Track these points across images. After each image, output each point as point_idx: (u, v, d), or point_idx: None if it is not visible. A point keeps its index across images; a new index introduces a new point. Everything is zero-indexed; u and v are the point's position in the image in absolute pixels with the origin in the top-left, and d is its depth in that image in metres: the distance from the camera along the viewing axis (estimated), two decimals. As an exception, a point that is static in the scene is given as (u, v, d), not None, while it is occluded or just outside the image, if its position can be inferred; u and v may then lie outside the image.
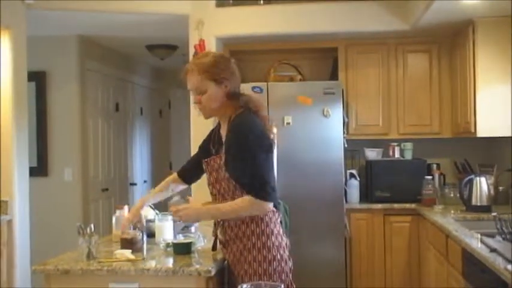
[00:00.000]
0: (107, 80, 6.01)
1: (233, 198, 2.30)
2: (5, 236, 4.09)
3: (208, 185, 2.44)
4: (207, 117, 2.44)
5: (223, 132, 2.41)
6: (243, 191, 2.27)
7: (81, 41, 5.42)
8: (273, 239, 2.29)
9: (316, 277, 4.27)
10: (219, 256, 2.47)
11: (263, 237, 2.28)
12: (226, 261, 2.44)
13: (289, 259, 2.34)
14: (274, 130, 2.46)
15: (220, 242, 2.45)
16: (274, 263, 2.26)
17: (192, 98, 2.45)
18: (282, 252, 2.30)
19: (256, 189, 2.24)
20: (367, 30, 4.57)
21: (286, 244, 2.35)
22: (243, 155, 2.25)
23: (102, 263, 2.37)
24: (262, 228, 2.29)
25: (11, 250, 4.13)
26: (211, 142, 2.51)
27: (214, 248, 2.53)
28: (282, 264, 2.28)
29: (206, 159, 2.44)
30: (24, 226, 4.32)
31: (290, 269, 2.33)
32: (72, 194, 5.36)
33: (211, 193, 2.43)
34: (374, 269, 4.51)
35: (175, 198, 3.29)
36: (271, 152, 2.34)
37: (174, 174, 2.77)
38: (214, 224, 2.49)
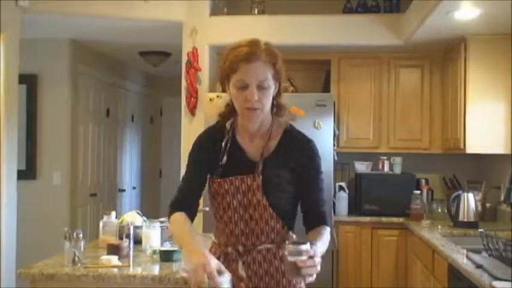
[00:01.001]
0: (98, 85, 6.00)
1: (266, 226, 1.93)
2: (-10, 238, 4.05)
3: (224, 209, 1.96)
4: (257, 122, 1.92)
5: (254, 144, 1.96)
6: (279, 218, 1.92)
7: (74, 45, 5.41)
8: None
9: (302, 289, 4.26)
10: None
11: None
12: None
13: None
14: None
15: (239, 280, 1.92)
16: None
17: (240, 93, 1.85)
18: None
19: (329, 218, 1.99)
20: (361, 44, 4.60)
21: None
22: (320, 179, 1.98)
23: (88, 269, 2.35)
24: None
25: (-4, 253, 4.09)
26: (217, 154, 1.97)
27: None
28: None
29: (229, 178, 1.92)
30: (11, 229, 4.28)
31: None
32: (60, 198, 5.33)
33: (231, 219, 1.94)
34: (361, 282, 4.51)
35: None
36: None
37: (184, 217, 1.93)
38: (225, 258, 1.96)
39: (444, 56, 4.67)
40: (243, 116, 1.91)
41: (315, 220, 1.95)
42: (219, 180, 1.94)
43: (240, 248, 1.95)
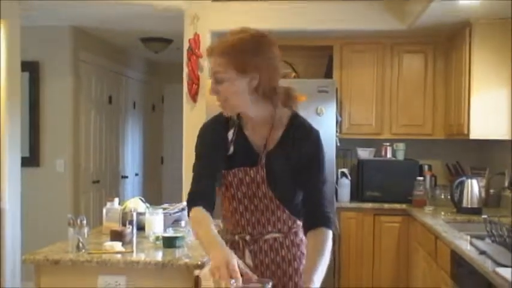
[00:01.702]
0: (100, 72, 5.99)
1: (273, 216, 1.92)
2: (-5, 225, 4.08)
3: (235, 200, 1.94)
4: (230, 112, 1.90)
5: (260, 135, 1.92)
6: (290, 214, 1.92)
7: (75, 32, 5.39)
8: None
9: (305, 275, 4.27)
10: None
11: (304, 260, 1.93)
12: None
13: None
14: None
15: (247, 266, 1.79)
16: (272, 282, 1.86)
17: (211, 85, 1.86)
18: None
19: (332, 219, 1.89)
20: (363, 29, 4.57)
21: None
22: (323, 178, 1.91)
23: (91, 255, 2.36)
24: (303, 250, 1.97)
25: (1, 239, 4.12)
26: (225, 145, 1.94)
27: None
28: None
29: (233, 169, 1.90)
30: (15, 216, 4.31)
31: None
32: (63, 185, 5.34)
33: (236, 210, 1.94)
34: (362, 268, 4.53)
35: None
36: None
37: (204, 213, 1.84)
38: (234, 247, 1.95)
39: (448, 41, 4.64)
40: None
41: (315, 221, 1.86)
42: (223, 171, 1.91)
43: (247, 237, 1.95)
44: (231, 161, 1.92)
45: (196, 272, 2.31)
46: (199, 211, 1.82)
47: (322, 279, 1.76)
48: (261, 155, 1.89)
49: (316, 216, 1.87)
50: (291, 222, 1.95)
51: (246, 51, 1.79)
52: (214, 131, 1.96)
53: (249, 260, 1.93)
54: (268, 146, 1.90)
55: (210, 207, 1.85)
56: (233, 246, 1.94)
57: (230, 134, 1.94)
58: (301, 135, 1.90)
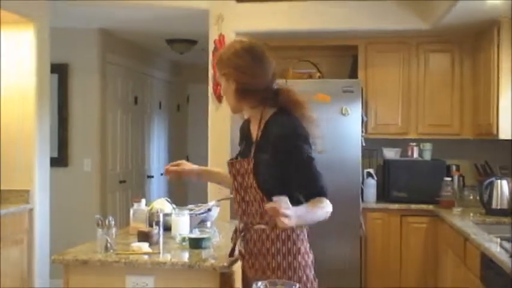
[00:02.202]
0: (126, 73, 6.05)
1: (260, 207, 2.08)
2: (26, 224, 4.15)
3: (231, 190, 2.22)
4: (232, 111, 2.24)
5: (254, 131, 2.18)
6: (268, 199, 2.00)
7: (103, 34, 5.46)
8: (299, 259, 2.09)
9: (331, 275, 4.25)
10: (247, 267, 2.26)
11: (289, 257, 2.08)
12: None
13: (315, 279, 2.14)
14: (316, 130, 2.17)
15: (240, 253, 2.23)
16: (300, 285, 1.97)
17: None
18: (308, 272, 2.11)
19: (325, 191, 2.09)
20: (388, 28, 4.53)
21: (312, 262, 2.14)
22: (303, 161, 2.05)
23: (119, 255, 2.39)
24: (289, 246, 2.09)
25: (31, 238, 4.19)
26: (240, 139, 2.29)
27: (231, 254, 2.31)
28: (308, 286, 2.10)
29: (231, 161, 2.20)
30: (44, 215, 4.38)
31: None
32: (90, 185, 5.42)
33: (235, 199, 2.20)
34: (389, 270, 4.49)
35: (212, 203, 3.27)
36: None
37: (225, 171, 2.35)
38: (235, 231, 2.28)
39: (475, 40, 4.57)
40: None
41: (311, 197, 2.06)
42: (228, 162, 2.21)
43: (241, 225, 2.20)
44: (241, 153, 2.22)
45: (223, 272, 2.31)
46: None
47: (300, 221, 1.95)
48: (252, 146, 2.14)
49: (312, 192, 2.08)
50: None
51: (223, 61, 2.16)
52: (241, 130, 2.33)
53: (240, 247, 2.20)
54: (257, 139, 2.13)
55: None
56: (235, 231, 2.27)
57: (240, 130, 2.30)
58: (273, 126, 2.10)
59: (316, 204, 2.05)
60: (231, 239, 2.33)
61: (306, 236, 2.15)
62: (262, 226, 2.11)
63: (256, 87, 2.11)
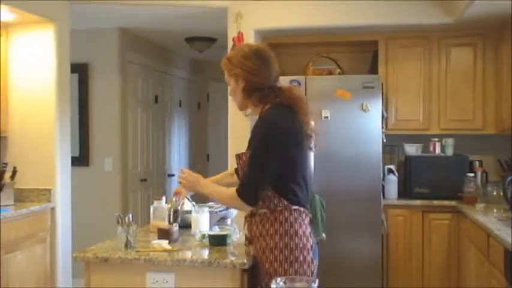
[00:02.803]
0: (146, 71, 6.09)
1: (264, 197, 2.28)
2: (48, 223, 4.20)
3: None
4: (239, 108, 2.49)
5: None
6: (274, 192, 2.27)
7: (122, 34, 5.50)
8: (296, 240, 2.24)
9: (352, 273, 4.23)
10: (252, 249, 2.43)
11: (286, 238, 2.24)
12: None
13: (313, 262, 2.27)
14: (312, 125, 2.38)
15: (246, 238, 2.42)
16: (296, 264, 2.22)
17: None
18: (305, 254, 2.24)
19: (242, 187, 2.27)
20: (409, 23, 4.48)
21: (311, 246, 2.28)
22: (253, 151, 2.27)
23: (139, 253, 2.40)
24: (286, 228, 2.25)
25: (53, 237, 4.24)
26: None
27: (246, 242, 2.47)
28: (304, 267, 2.23)
29: (238, 153, 2.39)
30: (66, 214, 4.43)
31: (312, 272, 2.27)
32: (112, 184, 5.46)
33: None
34: (411, 266, 4.45)
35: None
36: (284, 150, 2.24)
37: (231, 169, 2.72)
38: (245, 218, 2.46)
39: (498, 33, 4.49)
40: None
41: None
42: (236, 155, 2.41)
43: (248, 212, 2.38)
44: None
45: (243, 269, 2.32)
46: (228, 171, 2.94)
47: (204, 193, 2.49)
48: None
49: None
50: (276, 200, 2.27)
51: (232, 63, 2.37)
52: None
53: (246, 231, 2.39)
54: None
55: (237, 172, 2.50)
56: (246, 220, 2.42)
57: None
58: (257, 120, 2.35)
59: (226, 191, 2.37)
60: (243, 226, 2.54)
61: (306, 221, 2.31)
62: (264, 210, 2.29)
63: (262, 86, 2.33)
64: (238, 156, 2.38)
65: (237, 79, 2.36)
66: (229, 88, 2.44)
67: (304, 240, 2.26)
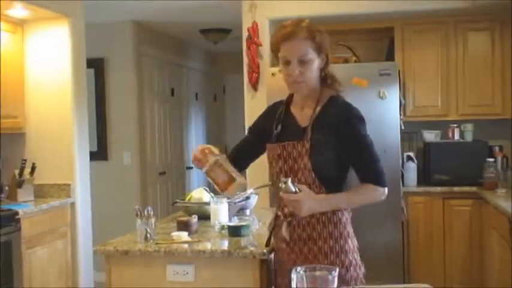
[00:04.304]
0: (162, 65, 6.10)
1: (310, 190, 2.00)
2: (68, 217, 4.24)
3: (277, 173, 2.11)
4: (304, 94, 2.11)
5: (304, 113, 2.12)
6: (322, 184, 2.03)
7: (137, 27, 5.51)
8: (349, 242, 2.08)
9: (373, 261, 4.19)
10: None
11: (341, 240, 2.05)
12: (273, 252, 2.28)
13: (362, 263, 2.13)
14: None
15: (283, 241, 2.13)
16: (351, 268, 2.06)
17: (285, 69, 2.07)
18: (356, 256, 2.10)
19: (380, 176, 2.06)
20: (425, 8, 4.41)
21: (357, 246, 2.13)
22: (365, 143, 2.06)
23: (159, 245, 2.41)
24: (341, 230, 2.06)
25: (74, 231, 4.28)
26: (274, 123, 2.18)
27: (267, 244, 2.25)
28: (357, 270, 2.09)
29: (282, 143, 2.09)
30: (86, 208, 4.47)
31: (364, 275, 2.12)
32: (130, 178, 5.50)
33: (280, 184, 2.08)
34: (432, 253, 4.41)
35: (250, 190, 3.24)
36: None
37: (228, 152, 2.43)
38: (274, 219, 2.19)
39: (516, 16, 4.42)
40: (290, 88, 2.13)
41: (362, 178, 2.06)
42: (273, 145, 2.12)
43: (286, 210, 2.07)
44: (280, 137, 2.13)
45: (262, 259, 2.31)
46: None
47: (325, 207, 2.02)
48: (307, 128, 2.07)
49: (366, 175, 2.06)
50: None
51: (318, 36, 2.04)
52: (266, 112, 2.30)
53: (285, 233, 2.09)
54: (311, 122, 2.07)
55: (234, 161, 2.25)
56: (276, 221, 2.15)
57: (277, 114, 2.19)
58: (339, 107, 2.09)
59: (358, 191, 2.06)
60: (268, 226, 2.30)
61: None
62: None
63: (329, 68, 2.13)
64: (283, 147, 2.09)
65: (320, 55, 2.06)
66: (299, 69, 2.03)
67: (355, 240, 2.13)
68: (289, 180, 1.92)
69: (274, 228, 2.19)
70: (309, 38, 2.02)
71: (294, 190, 1.91)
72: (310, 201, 1.93)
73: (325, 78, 2.12)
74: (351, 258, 2.06)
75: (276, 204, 2.17)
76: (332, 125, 2.04)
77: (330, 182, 2.05)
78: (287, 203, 1.95)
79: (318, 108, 2.09)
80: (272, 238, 2.23)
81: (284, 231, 2.11)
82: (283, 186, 1.91)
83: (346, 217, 2.10)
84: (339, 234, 2.06)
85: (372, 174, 2.05)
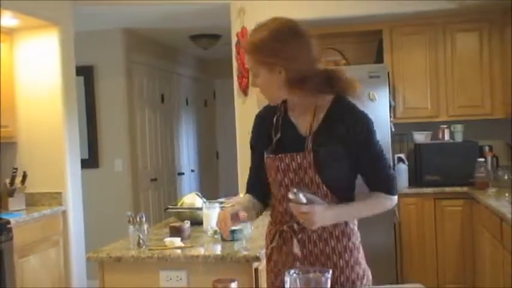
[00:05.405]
0: (152, 71, 6.09)
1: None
2: (60, 225, 4.22)
3: (282, 186, 1.89)
4: (272, 102, 1.94)
5: (303, 122, 1.90)
6: (334, 195, 1.85)
7: (126, 34, 5.50)
8: (361, 252, 1.97)
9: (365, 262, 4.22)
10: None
11: (355, 252, 1.92)
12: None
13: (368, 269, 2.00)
14: None
15: (296, 259, 1.89)
16: (365, 277, 1.95)
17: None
18: (365, 263, 1.99)
19: (391, 183, 1.91)
20: (413, 10, 4.45)
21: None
22: (377, 152, 1.89)
23: (152, 251, 2.41)
24: (354, 241, 1.93)
25: (66, 239, 4.26)
26: (273, 130, 1.94)
27: (269, 259, 2.00)
28: (370, 278, 1.98)
29: (279, 155, 1.87)
30: (78, 216, 4.45)
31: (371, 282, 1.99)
32: (122, 185, 5.48)
33: (281, 199, 1.90)
34: (425, 254, 4.43)
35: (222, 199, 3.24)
36: None
37: (247, 196, 2.07)
38: (280, 232, 1.94)
39: (502, 17, 4.45)
40: None
41: (373, 187, 1.91)
42: (271, 156, 1.90)
43: (295, 226, 1.88)
44: (278, 146, 1.90)
45: (255, 264, 2.32)
46: (247, 197, 2.04)
47: (335, 219, 1.85)
48: (308, 138, 1.85)
49: (377, 182, 1.91)
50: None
51: (267, 50, 1.82)
52: (262, 119, 2.01)
53: (297, 250, 1.88)
54: (313, 129, 1.86)
55: (258, 197, 2.03)
56: (281, 236, 1.92)
57: (275, 120, 1.95)
58: (349, 113, 1.88)
59: (367, 201, 1.90)
60: (267, 237, 2.02)
61: None
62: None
63: (308, 73, 1.83)
64: (280, 159, 1.87)
65: (271, 69, 1.82)
66: (252, 79, 1.91)
67: (362, 251, 2.00)
68: (300, 190, 1.75)
69: (277, 243, 1.95)
70: (250, 52, 1.86)
71: (304, 201, 1.73)
72: (322, 212, 1.75)
73: (307, 84, 1.84)
74: (363, 267, 1.96)
75: (284, 219, 1.92)
76: (340, 133, 1.84)
77: (342, 192, 1.88)
78: (297, 215, 1.75)
79: (321, 115, 1.87)
80: (274, 254, 1.97)
81: (295, 248, 1.89)
82: (293, 197, 1.73)
83: (357, 226, 1.97)
84: (353, 247, 1.92)
85: (385, 183, 1.90)
